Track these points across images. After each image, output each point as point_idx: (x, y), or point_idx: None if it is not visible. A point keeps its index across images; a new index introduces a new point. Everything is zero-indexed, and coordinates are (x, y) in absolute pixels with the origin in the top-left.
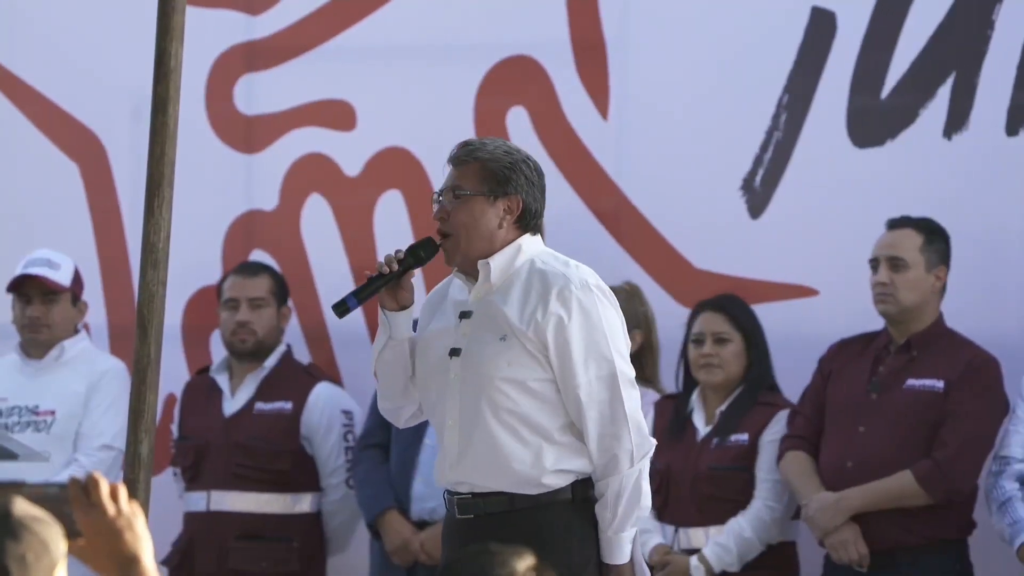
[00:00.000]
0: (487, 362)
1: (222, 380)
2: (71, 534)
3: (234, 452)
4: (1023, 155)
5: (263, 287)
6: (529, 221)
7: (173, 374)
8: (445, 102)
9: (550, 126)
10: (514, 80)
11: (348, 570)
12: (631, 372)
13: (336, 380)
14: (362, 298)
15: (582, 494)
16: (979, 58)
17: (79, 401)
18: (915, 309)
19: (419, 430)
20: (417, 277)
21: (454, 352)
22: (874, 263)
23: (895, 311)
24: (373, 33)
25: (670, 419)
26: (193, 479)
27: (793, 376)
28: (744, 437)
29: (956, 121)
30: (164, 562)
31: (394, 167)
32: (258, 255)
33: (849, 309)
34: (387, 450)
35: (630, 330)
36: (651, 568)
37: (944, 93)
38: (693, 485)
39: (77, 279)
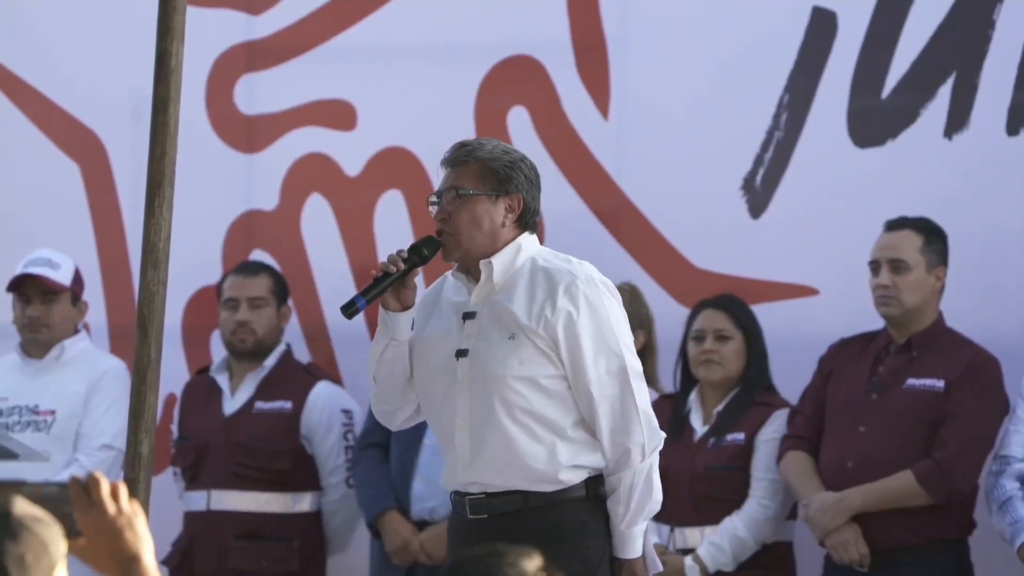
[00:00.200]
0: (498, 362)
1: (222, 380)
2: (71, 533)
3: (234, 452)
4: (1023, 155)
5: (263, 287)
6: (528, 220)
7: (173, 374)
8: (446, 102)
9: (550, 126)
10: (515, 80)
11: (348, 570)
12: (639, 366)
13: (336, 380)
14: (370, 298)
15: (595, 491)
16: (980, 58)
17: (79, 401)
18: (916, 310)
19: (418, 430)
20: (418, 277)
21: (461, 353)
22: (874, 265)
23: (898, 313)
24: (373, 33)
25: (668, 419)
26: (193, 479)
27: (793, 376)
28: (740, 437)
29: (957, 121)
30: (164, 562)
31: (394, 167)
32: (258, 255)
33: (849, 309)
34: (387, 450)
35: (633, 330)
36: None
37: (945, 93)
38: (690, 485)
39: (77, 279)
